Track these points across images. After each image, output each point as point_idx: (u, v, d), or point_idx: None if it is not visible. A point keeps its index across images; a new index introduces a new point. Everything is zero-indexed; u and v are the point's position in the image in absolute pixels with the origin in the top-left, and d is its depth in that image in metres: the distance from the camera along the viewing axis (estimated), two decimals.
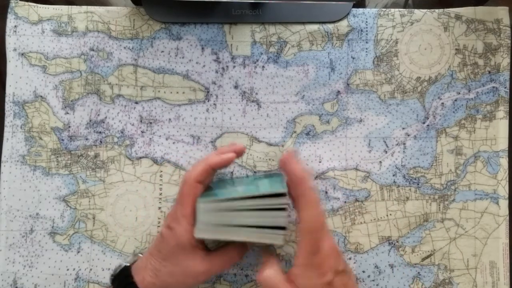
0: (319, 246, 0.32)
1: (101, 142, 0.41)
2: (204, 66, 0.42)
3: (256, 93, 0.42)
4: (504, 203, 0.41)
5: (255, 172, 0.41)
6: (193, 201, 0.34)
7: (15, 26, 0.41)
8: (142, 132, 0.41)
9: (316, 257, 0.31)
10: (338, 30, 0.42)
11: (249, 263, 0.40)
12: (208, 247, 0.37)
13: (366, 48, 0.42)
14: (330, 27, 0.42)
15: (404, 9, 0.42)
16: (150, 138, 0.41)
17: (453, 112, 0.42)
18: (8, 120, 0.41)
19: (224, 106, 0.42)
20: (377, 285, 0.40)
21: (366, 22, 0.42)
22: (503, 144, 0.41)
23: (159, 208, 0.41)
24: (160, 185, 0.41)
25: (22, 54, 0.41)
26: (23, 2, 0.42)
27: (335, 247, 0.33)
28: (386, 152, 0.42)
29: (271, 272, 0.33)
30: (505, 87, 0.42)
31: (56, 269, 0.40)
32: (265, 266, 0.33)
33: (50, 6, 0.42)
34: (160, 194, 0.41)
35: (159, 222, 0.41)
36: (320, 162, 0.41)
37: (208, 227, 0.33)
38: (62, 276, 0.40)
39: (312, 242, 0.32)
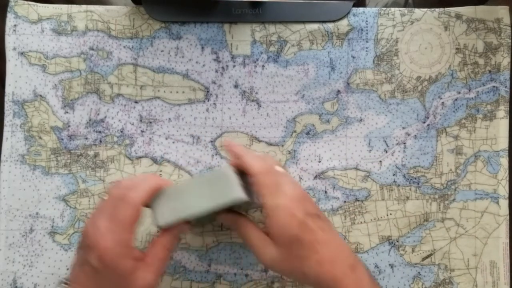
0: (278, 187, 0.31)
1: (100, 141, 0.41)
2: (204, 65, 0.42)
3: (256, 93, 0.42)
4: (504, 203, 0.41)
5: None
6: (134, 227, 0.31)
7: (15, 25, 0.41)
8: (142, 131, 0.41)
9: (279, 198, 0.31)
10: (338, 29, 0.42)
11: (249, 263, 0.40)
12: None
13: (366, 48, 0.42)
14: (330, 26, 0.42)
15: (405, 8, 0.42)
16: (149, 138, 0.41)
17: (454, 111, 0.42)
18: (8, 119, 0.41)
19: (224, 105, 0.42)
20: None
21: (367, 21, 0.42)
22: (504, 143, 0.41)
23: None
24: None
25: (22, 53, 0.41)
26: (22, 1, 0.41)
27: (302, 193, 0.33)
28: (386, 151, 0.42)
29: (248, 225, 0.33)
30: (505, 87, 0.42)
31: (56, 268, 0.40)
32: (241, 222, 0.34)
33: (50, 5, 0.42)
34: None
35: None
36: (320, 161, 0.41)
37: (167, 212, 0.32)
38: (62, 275, 0.40)
39: (268, 183, 0.31)
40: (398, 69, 0.42)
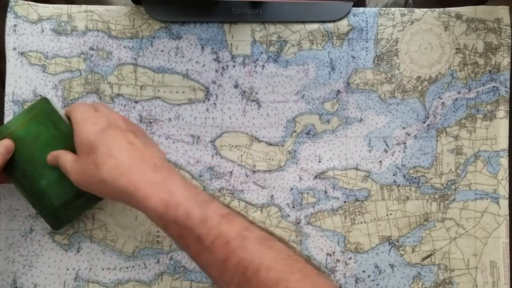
0: (90, 111, 0.34)
1: None
2: (204, 65, 0.42)
3: (256, 93, 0.42)
4: (504, 203, 0.41)
5: None
6: None
7: (15, 25, 0.41)
8: None
9: (85, 113, 0.34)
10: (338, 29, 0.42)
11: None
12: None
13: (367, 48, 0.42)
14: (330, 26, 0.42)
15: (405, 8, 0.42)
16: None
17: (454, 111, 0.42)
18: (8, 119, 0.41)
19: (224, 105, 0.42)
20: (377, 285, 0.40)
21: (367, 21, 0.42)
22: (504, 143, 0.41)
23: None
24: None
25: (22, 53, 0.41)
26: (22, 1, 0.41)
27: (115, 116, 0.35)
28: (386, 151, 0.42)
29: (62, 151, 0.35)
30: (505, 87, 0.42)
31: (55, 268, 0.40)
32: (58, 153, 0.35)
33: (50, 5, 0.42)
34: None
35: None
36: (320, 161, 0.41)
37: None
38: (62, 275, 0.40)
39: (82, 108, 0.35)
40: (398, 69, 0.42)
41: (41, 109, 0.36)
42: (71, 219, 0.39)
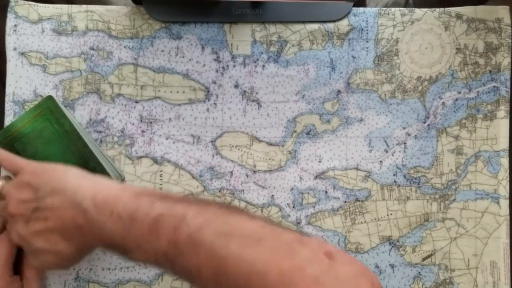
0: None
1: (101, 141, 0.41)
2: (204, 65, 0.42)
3: (257, 93, 0.42)
4: (504, 203, 0.41)
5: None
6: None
7: (15, 25, 0.41)
8: (142, 131, 0.41)
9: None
10: (338, 29, 0.42)
11: None
12: None
13: (367, 48, 0.42)
14: (330, 26, 0.42)
15: (405, 8, 0.42)
16: (150, 138, 0.41)
17: (454, 111, 0.42)
18: (8, 119, 0.41)
19: (224, 105, 0.42)
20: None
21: (367, 21, 0.42)
22: (504, 143, 0.41)
23: None
24: (160, 184, 0.41)
25: (22, 53, 0.41)
26: (23, 1, 0.41)
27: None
28: (386, 151, 0.41)
29: None
30: (506, 87, 0.42)
31: None
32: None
33: (50, 5, 0.42)
34: None
35: None
36: (320, 161, 0.41)
37: None
38: (62, 275, 0.40)
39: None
40: (399, 69, 0.42)
41: (46, 106, 0.38)
42: None
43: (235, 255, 0.25)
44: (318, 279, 0.24)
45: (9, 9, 0.41)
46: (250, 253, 0.25)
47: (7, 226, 0.35)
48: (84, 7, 0.42)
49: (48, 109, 0.38)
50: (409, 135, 0.42)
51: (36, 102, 0.41)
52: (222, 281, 0.25)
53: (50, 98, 0.38)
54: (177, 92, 0.42)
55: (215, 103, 0.42)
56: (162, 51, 0.42)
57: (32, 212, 0.32)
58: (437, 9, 0.42)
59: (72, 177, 0.32)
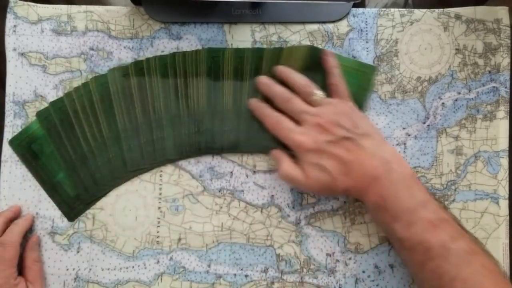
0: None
1: None
2: None
3: None
4: (504, 203, 0.41)
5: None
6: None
7: (15, 25, 0.41)
8: None
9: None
10: (338, 29, 0.42)
11: (249, 263, 0.40)
12: None
13: (367, 48, 0.42)
14: (330, 27, 0.42)
15: (404, 9, 0.42)
16: None
17: (454, 112, 0.42)
18: (8, 120, 0.41)
19: None
20: (377, 285, 0.40)
21: (366, 22, 0.42)
22: (504, 144, 0.41)
23: (159, 208, 0.41)
24: (160, 185, 0.41)
25: (22, 53, 0.41)
26: (22, 2, 0.41)
27: (335, 118, 0.36)
28: None
29: (287, 165, 0.37)
30: (505, 87, 0.42)
31: (55, 269, 0.40)
32: (280, 162, 0.37)
33: (50, 5, 0.42)
34: (160, 194, 0.41)
35: (158, 222, 0.41)
36: None
37: None
38: (61, 276, 0.40)
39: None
40: (398, 70, 0.42)
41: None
42: (84, 210, 0.41)
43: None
44: None
45: (8, 10, 0.41)
46: None
47: (299, 128, 0.36)
48: (83, 7, 0.42)
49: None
50: (409, 135, 0.42)
51: (36, 102, 0.41)
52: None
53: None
54: None
55: None
56: (162, 51, 0.42)
57: (340, 138, 0.34)
58: (436, 10, 0.42)
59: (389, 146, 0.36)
